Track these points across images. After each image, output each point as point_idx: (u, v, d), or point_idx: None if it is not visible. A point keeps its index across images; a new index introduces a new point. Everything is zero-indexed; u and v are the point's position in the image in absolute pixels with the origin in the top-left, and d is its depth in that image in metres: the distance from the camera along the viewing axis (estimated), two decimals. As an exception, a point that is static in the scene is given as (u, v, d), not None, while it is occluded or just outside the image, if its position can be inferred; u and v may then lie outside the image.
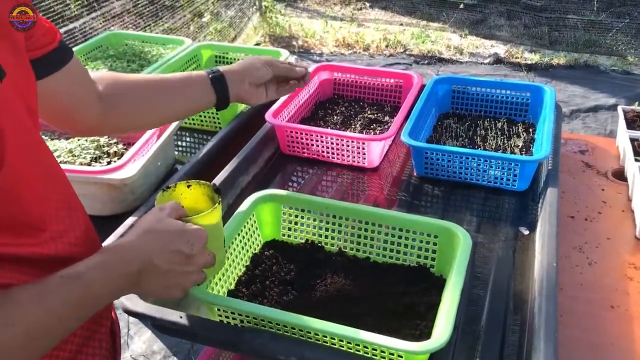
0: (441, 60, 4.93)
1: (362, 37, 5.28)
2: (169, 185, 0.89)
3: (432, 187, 1.46)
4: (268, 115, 1.54)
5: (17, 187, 0.66)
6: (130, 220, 1.22)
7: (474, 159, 1.40)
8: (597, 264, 1.22)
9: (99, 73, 0.98)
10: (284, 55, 1.91)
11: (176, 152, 1.65)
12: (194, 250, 0.79)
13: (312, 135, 1.53)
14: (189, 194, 0.90)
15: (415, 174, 1.49)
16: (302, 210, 1.21)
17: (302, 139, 1.54)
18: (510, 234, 1.28)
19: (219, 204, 0.86)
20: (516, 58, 4.90)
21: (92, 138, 1.49)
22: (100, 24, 3.67)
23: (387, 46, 5.15)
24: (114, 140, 1.52)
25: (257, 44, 5.14)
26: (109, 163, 1.42)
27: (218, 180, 1.37)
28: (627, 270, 1.20)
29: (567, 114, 3.93)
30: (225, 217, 1.13)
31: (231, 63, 1.98)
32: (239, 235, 1.14)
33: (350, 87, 1.85)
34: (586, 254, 1.25)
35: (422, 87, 1.72)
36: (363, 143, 1.48)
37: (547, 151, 1.36)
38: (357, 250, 1.19)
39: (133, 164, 1.33)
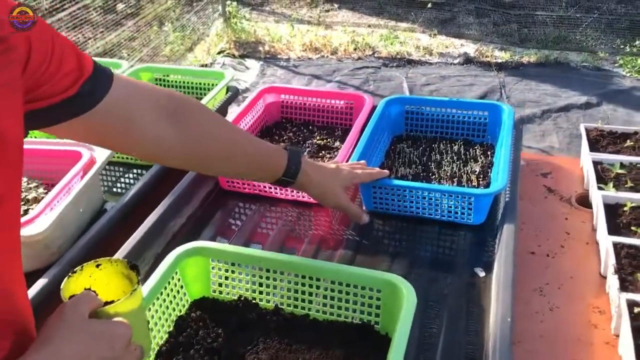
0: (410, 62, 4.83)
1: (330, 40, 5.16)
2: (74, 270, 0.75)
3: (382, 222, 1.34)
4: (203, 150, 1.42)
5: None
6: (40, 282, 1.09)
7: (425, 192, 1.28)
8: (560, 309, 1.11)
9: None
10: (228, 77, 1.78)
11: (106, 189, 1.52)
12: (117, 351, 0.67)
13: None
14: (100, 275, 0.76)
15: (364, 208, 1.37)
16: (234, 265, 1.09)
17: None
18: (465, 276, 1.17)
19: (138, 284, 0.74)
20: (486, 57, 4.82)
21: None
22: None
23: (355, 49, 5.03)
24: (34, 184, 1.39)
25: (222, 51, 5.00)
26: (25, 212, 1.28)
27: (144, 227, 1.24)
28: (592, 315, 1.09)
29: (538, 114, 3.85)
30: (150, 273, 1.01)
31: (173, 85, 1.87)
32: (160, 296, 1.02)
33: (299, 109, 1.73)
34: (547, 297, 1.14)
35: (374, 108, 1.60)
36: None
37: (504, 182, 1.25)
38: (295, 306, 1.07)
39: (46, 215, 1.19)
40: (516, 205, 1.28)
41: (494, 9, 5.51)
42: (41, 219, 1.18)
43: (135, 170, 1.58)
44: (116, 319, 0.69)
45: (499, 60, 4.78)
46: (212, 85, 1.84)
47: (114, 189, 1.56)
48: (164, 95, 0.96)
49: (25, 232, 1.14)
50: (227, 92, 1.82)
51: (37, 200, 1.35)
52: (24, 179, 1.38)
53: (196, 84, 1.86)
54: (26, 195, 1.34)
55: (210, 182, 1.47)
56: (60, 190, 1.27)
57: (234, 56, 4.99)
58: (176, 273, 1.06)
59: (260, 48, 5.13)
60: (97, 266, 0.76)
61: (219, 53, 4.97)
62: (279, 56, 5.07)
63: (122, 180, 1.58)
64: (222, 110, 1.75)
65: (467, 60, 4.78)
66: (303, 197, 1.39)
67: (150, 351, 0.91)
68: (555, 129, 3.70)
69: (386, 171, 1.31)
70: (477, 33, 5.29)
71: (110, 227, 1.28)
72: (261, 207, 1.42)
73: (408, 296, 0.95)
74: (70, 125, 0.79)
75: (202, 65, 4.72)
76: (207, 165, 1.11)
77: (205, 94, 1.85)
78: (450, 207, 1.29)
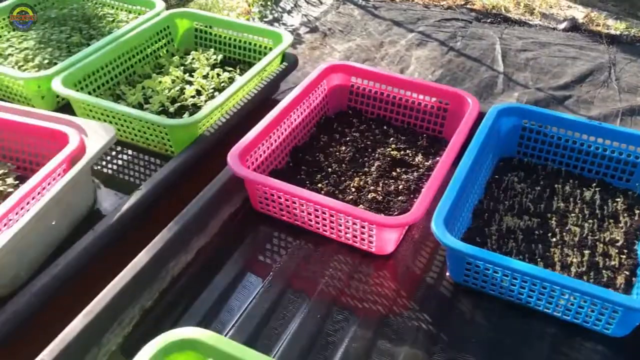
0: (507, 20, 4.18)
1: (417, -19, 4.53)
2: None
3: (471, 305, 0.92)
4: (233, 158, 1.00)
5: None
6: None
7: (546, 284, 0.85)
8: None
9: None
10: (285, 42, 1.35)
11: (110, 172, 1.14)
12: None
13: (294, 200, 0.99)
14: None
15: (448, 275, 0.95)
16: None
17: (280, 199, 1.01)
18: None
19: None
20: (597, 26, 4.12)
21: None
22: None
23: (445, -5, 4.41)
24: (2, 170, 1.02)
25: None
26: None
27: (163, 237, 0.89)
28: None
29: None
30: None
31: (215, 40, 1.45)
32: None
33: (372, 100, 1.28)
34: None
35: (479, 116, 1.14)
36: (370, 226, 0.94)
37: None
38: None
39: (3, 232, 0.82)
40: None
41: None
42: (-19, 246, 0.81)
43: (143, 158, 1.20)
44: None
45: (612, 32, 4.08)
46: (264, 47, 1.41)
47: (122, 175, 1.18)
48: None
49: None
50: (282, 61, 1.38)
51: (2, 195, 0.98)
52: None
53: (244, 43, 1.43)
54: (-12, 187, 0.98)
55: (236, 198, 1.07)
56: (34, 187, 0.90)
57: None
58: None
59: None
60: None
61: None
62: (355, -7, 4.50)
63: (120, 171, 1.19)
64: (273, 86, 1.32)
65: (574, 27, 4.10)
66: (362, 245, 0.98)
67: None
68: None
69: None
70: (589, -6, 4.56)
71: (98, 246, 0.91)
72: (304, 244, 1.02)
73: None
74: None
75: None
76: None
77: (254, 57, 1.42)
78: (581, 310, 0.85)
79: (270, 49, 1.40)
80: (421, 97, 1.23)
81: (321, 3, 4.56)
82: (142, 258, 0.88)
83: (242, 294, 0.93)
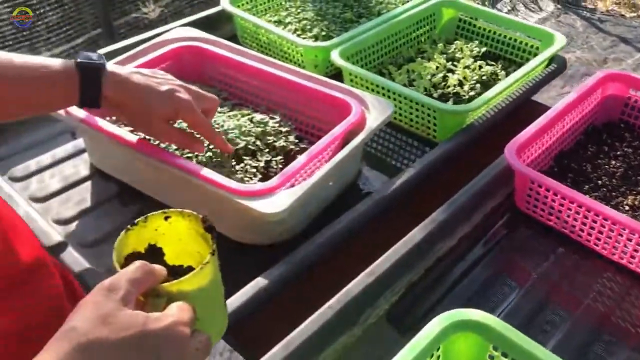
0: None
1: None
2: (135, 221, 0.57)
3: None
4: (510, 151, 0.99)
5: None
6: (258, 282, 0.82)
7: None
8: None
9: None
10: (558, 44, 1.30)
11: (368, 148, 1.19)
12: None
13: (567, 203, 0.95)
14: (169, 229, 0.59)
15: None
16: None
17: (554, 202, 0.98)
18: None
19: (213, 253, 0.54)
20: None
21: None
22: None
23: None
24: (286, 128, 1.10)
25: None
26: (262, 177, 0.99)
27: (434, 220, 0.92)
28: None
29: None
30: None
31: (477, 32, 1.44)
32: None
33: (650, 116, 1.20)
34: None
35: None
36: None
37: None
38: None
39: (284, 191, 0.88)
40: None
41: None
42: (280, 195, 0.88)
43: (401, 138, 1.22)
44: (179, 302, 0.51)
45: None
46: (530, 46, 1.37)
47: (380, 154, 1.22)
48: None
49: (256, 204, 0.85)
50: (549, 63, 1.33)
51: (284, 150, 1.06)
52: (276, 117, 1.11)
53: (509, 39, 1.41)
54: (273, 141, 1.06)
55: (500, 193, 1.06)
56: (317, 153, 0.96)
57: (529, -9, 4.29)
58: (437, 350, 0.70)
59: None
60: (166, 218, 0.59)
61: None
62: (582, 3, 4.24)
63: (377, 149, 1.23)
64: (535, 89, 1.28)
65: None
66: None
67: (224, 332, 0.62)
68: None
69: (216, 99, 0.93)
70: None
71: (362, 222, 0.95)
72: (569, 254, 0.98)
73: None
74: None
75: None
76: None
77: (517, 54, 1.39)
78: None
79: (537, 48, 1.36)
80: None
81: (541, 9, 4.39)
82: (415, 236, 0.90)
83: (499, 294, 0.92)
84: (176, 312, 0.49)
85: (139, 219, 0.58)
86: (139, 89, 0.83)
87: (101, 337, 0.44)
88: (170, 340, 0.47)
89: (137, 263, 0.51)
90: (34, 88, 0.77)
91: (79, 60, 0.78)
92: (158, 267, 0.53)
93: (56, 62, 0.77)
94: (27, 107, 0.80)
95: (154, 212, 0.58)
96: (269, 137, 1.07)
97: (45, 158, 1.15)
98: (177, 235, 0.59)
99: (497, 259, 0.98)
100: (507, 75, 1.29)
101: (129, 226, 0.57)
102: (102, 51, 1.33)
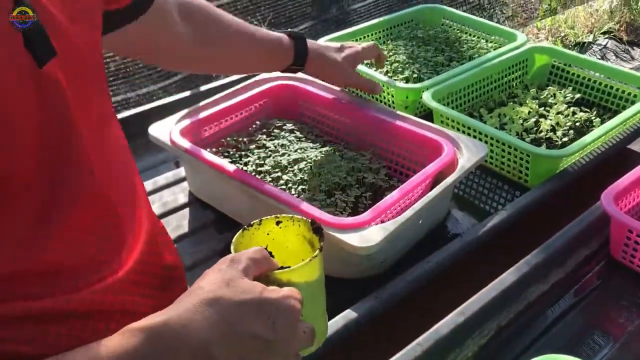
0: None
1: None
2: (251, 223, 0.63)
3: None
4: (607, 198, 0.97)
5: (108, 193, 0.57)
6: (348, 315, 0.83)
7: None
8: None
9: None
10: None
11: (458, 190, 1.19)
12: (278, 332, 0.52)
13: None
14: (278, 235, 0.64)
15: None
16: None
17: (653, 251, 0.95)
18: None
19: (320, 251, 0.59)
20: None
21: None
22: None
23: None
24: (377, 165, 1.12)
25: (607, 32, 4.21)
26: (351, 212, 1.02)
27: (528, 263, 0.90)
28: None
29: None
30: None
31: (571, 79, 1.42)
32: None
33: None
34: None
35: None
36: None
37: None
38: None
39: (375, 226, 0.90)
40: None
41: None
42: (372, 229, 0.90)
43: (491, 181, 1.22)
44: (287, 288, 0.55)
45: None
46: (627, 94, 1.35)
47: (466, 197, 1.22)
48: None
49: (347, 238, 0.87)
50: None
51: (374, 187, 1.09)
52: (367, 154, 1.14)
53: (604, 86, 1.38)
54: (363, 177, 1.09)
55: (593, 241, 1.03)
56: (409, 190, 0.97)
57: (620, 40, 4.17)
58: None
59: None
60: (277, 223, 0.64)
61: (603, 33, 4.20)
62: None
63: (467, 192, 1.23)
64: (632, 137, 1.25)
65: None
66: None
67: (325, 336, 0.67)
68: None
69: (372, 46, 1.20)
70: None
71: (463, 252, 0.96)
72: (663, 308, 0.94)
73: None
74: (122, 33, 0.75)
75: (577, 44, 4.05)
76: (222, 54, 1.01)
77: (612, 102, 1.37)
78: None
79: (635, 95, 1.32)
80: None
81: (633, 59, 4.24)
82: (508, 277, 0.89)
83: (591, 345, 0.89)
84: (288, 290, 0.55)
85: (253, 221, 0.64)
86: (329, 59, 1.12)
87: (224, 296, 0.51)
88: (284, 310, 0.52)
89: (257, 247, 0.57)
90: (269, 45, 1.03)
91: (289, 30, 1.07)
92: (272, 259, 0.58)
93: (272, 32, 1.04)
94: (261, 59, 1.06)
95: (267, 217, 0.64)
96: (359, 173, 1.09)
97: (147, 185, 1.22)
98: (285, 241, 0.64)
99: (590, 308, 0.95)
100: (602, 122, 1.27)
101: (245, 226, 0.63)
102: (202, 89, 1.42)
